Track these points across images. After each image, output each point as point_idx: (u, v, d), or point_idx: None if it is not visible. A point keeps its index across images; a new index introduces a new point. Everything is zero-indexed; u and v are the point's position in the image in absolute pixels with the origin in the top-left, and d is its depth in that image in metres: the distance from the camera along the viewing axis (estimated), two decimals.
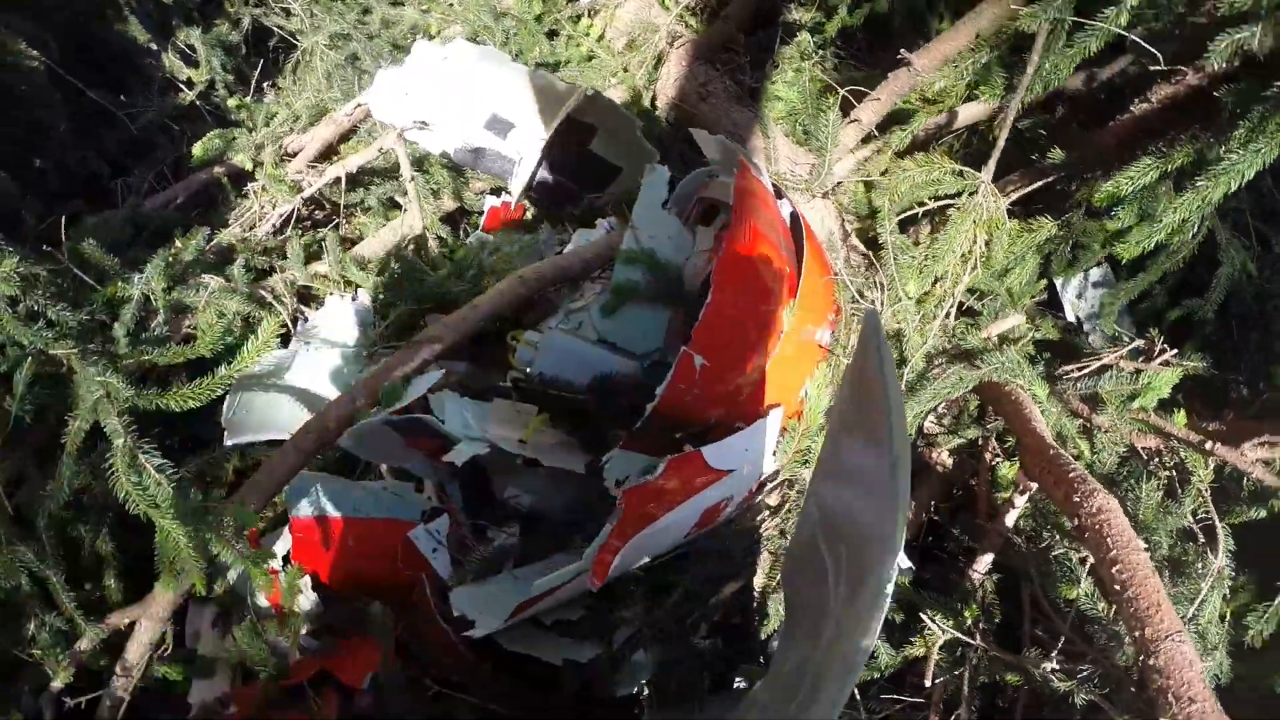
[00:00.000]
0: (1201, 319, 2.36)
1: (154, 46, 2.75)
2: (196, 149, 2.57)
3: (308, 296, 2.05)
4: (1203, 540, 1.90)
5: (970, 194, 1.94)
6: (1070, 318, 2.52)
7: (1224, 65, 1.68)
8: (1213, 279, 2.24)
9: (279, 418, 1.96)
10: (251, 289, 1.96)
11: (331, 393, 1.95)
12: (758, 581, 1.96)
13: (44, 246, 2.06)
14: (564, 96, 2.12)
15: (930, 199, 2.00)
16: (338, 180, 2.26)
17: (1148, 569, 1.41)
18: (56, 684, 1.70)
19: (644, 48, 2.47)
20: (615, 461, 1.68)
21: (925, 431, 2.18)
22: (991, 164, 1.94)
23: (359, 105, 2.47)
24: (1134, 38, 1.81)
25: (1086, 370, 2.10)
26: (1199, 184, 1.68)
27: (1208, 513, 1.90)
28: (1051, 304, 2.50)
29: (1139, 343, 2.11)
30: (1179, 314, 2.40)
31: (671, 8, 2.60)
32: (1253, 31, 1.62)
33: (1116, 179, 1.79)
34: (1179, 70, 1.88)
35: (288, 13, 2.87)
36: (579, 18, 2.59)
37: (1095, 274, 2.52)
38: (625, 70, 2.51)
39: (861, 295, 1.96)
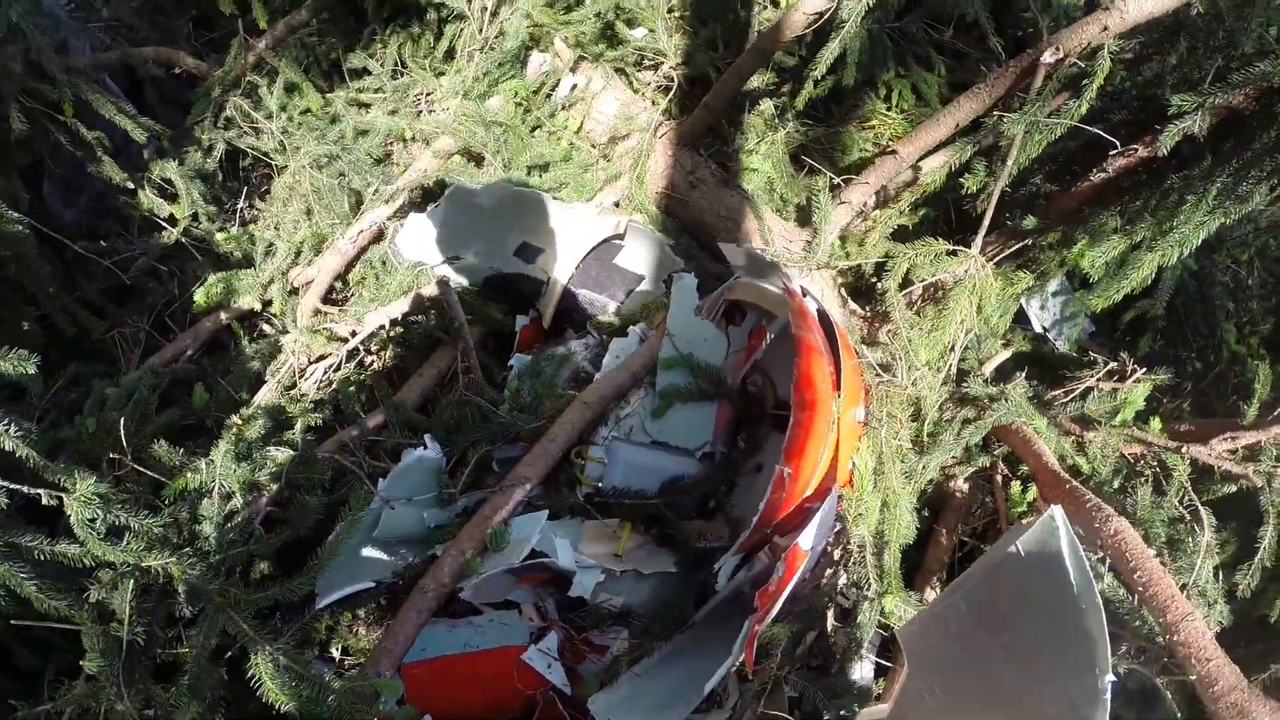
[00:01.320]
0: (1154, 315, 2.76)
1: (130, 185, 2.70)
2: (199, 296, 2.58)
3: (372, 447, 2.14)
4: (1190, 521, 2.26)
5: (963, 268, 2.20)
6: (1037, 328, 2.86)
7: (1170, 147, 2.01)
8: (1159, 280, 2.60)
9: (364, 569, 2.07)
10: (326, 455, 2.03)
11: (412, 537, 2.06)
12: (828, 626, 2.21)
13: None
14: (599, 222, 2.26)
15: (928, 276, 2.24)
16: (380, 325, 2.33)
17: (1159, 570, 1.78)
18: None
19: (625, 140, 2.61)
20: (728, 564, 1.87)
21: (943, 466, 2.47)
22: (979, 241, 2.21)
23: (361, 231, 2.54)
24: (1094, 130, 2.11)
25: (1072, 395, 2.42)
26: (1158, 246, 2.03)
27: (1191, 499, 2.25)
28: (1018, 318, 2.83)
29: (1113, 365, 2.43)
30: (1134, 314, 2.77)
31: (645, 92, 2.75)
32: (1194, 120, 1.95)
33: (1089, 254, 2.12)
34: (1131, 147, 2.18)
35: (258, 132, 2.86)
36: (554, 113, 2.70)
37: (1053, 284, 2.85)
38: (606, 159, 2.65)
39: (886, 369, 2.19)
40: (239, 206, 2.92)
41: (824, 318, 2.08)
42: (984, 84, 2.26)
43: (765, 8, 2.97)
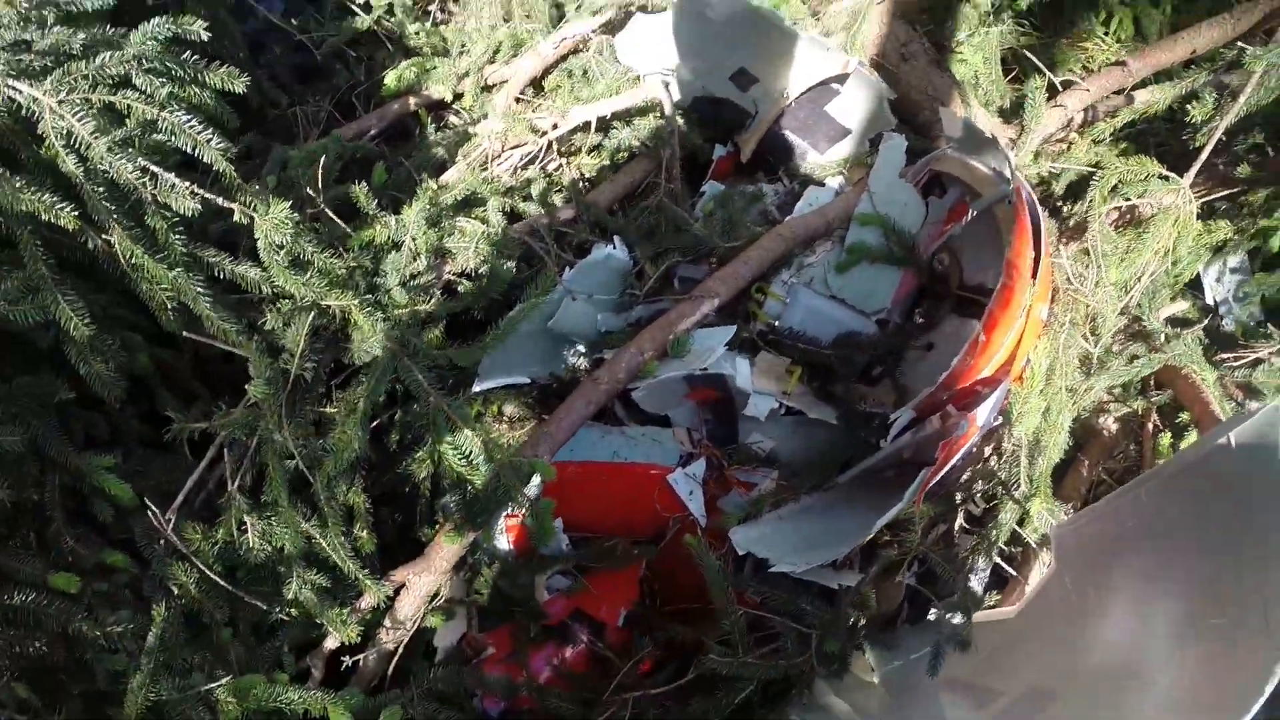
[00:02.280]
0: None
1: None
2: (390, 78, 2.59)
3: (561, 238, 2.14)
4: None
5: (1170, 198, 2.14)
6: (1209, 299, 2.80)
7: None
8: None
9: (528, 361, 2.10)
10: (516, 237, 2.05)
11: (585, 337, 2.08)
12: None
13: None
14: (826, 59, 2.22)
15: (1134, 196, 2.19)
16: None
17: None
18: (331, 643, 1.76)
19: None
20: (904, 415, 1.87)
21: (1103, 398, 2.44)
22: (1192, 174, 2.15)
23: (564, 39, 2.52)
24: None
25: (1243, 360, 2.36)
26: None
27: None
28: (1192, 284, 2.76)
29: None
30: None
31: None
32: None
33: None
34: None
35: None
36: None
37: (1233, 260, 2.78)
38: (815, 18, 2.59)
39: (1076, 278, 2.15)
40: (432, 6, 2.90)
41: (1033, 207, 2.04)
42: (1230, 14, 2.18)
43: None
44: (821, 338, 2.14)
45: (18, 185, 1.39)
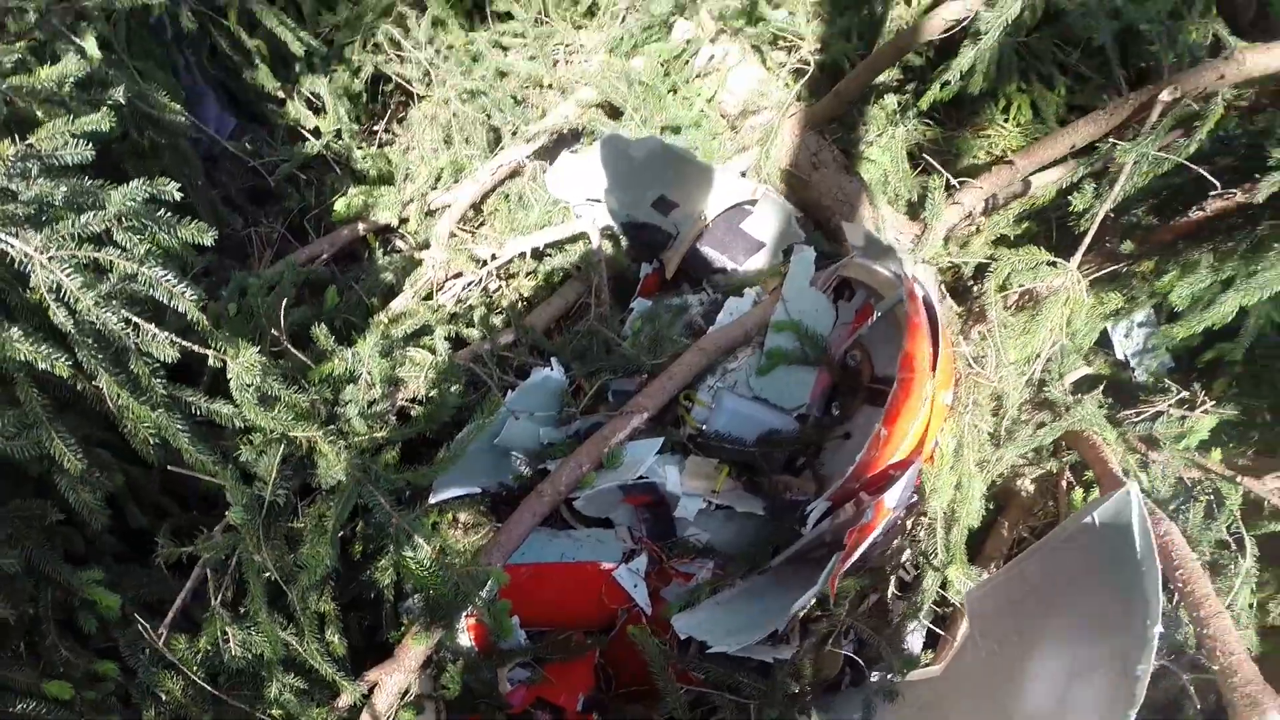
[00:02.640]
0: (1231, 360, 3.05)
1: (281, 95, 3.05)
2: (339, 205, 2.92)
3: (503, 363, 2.47)
4: (1235, 549, 2.56)
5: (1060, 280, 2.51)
6: (1119, 355, 3.15)
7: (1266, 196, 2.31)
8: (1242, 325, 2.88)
9: (478, 473, 2.41)
10: (461, 364, 2.37)
11: (526, 450, 2.40)
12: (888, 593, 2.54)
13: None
14: (737, 186, 2.58)
15: (1027, 282, 2.55)
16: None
17: (1199, 571, 2.09)
18: None
19: (756, 115, 2.93)
20: (817, 508, 2.20)
21: (1014, 464, 2.78)
22: (1077, 257, 2.51)
23: (501, 166, 2.87)
24: (1199, 169, 2.39)
25: (1144, 416, 2.72)
26: (1242, 287, 2.34)
27: (1238, 528, 2.55)
28: (1101, 341, 3.12)
29: (1184, 394, 2.73)
30: (1213, 355, 3.05)
31: (777, 72, 3.05)
32: None
33: (1178, 286, 2.42)
34: (1231, 191, 2.47)
35: (403, 60, 3.20)
36: (689, 80, 3.01)
37: (1139, 315, 3.14)
38: (734, 131, 2.96)
39: (976, 361, 2.50)
40: (378, 128, 3.26)
41: (929, 305, 2.39)
42: (1103, 111, 2.56)
43: (899, 4, 3.27)
44: (746, 437, 2.47)
45: (15, 335, 1.69)
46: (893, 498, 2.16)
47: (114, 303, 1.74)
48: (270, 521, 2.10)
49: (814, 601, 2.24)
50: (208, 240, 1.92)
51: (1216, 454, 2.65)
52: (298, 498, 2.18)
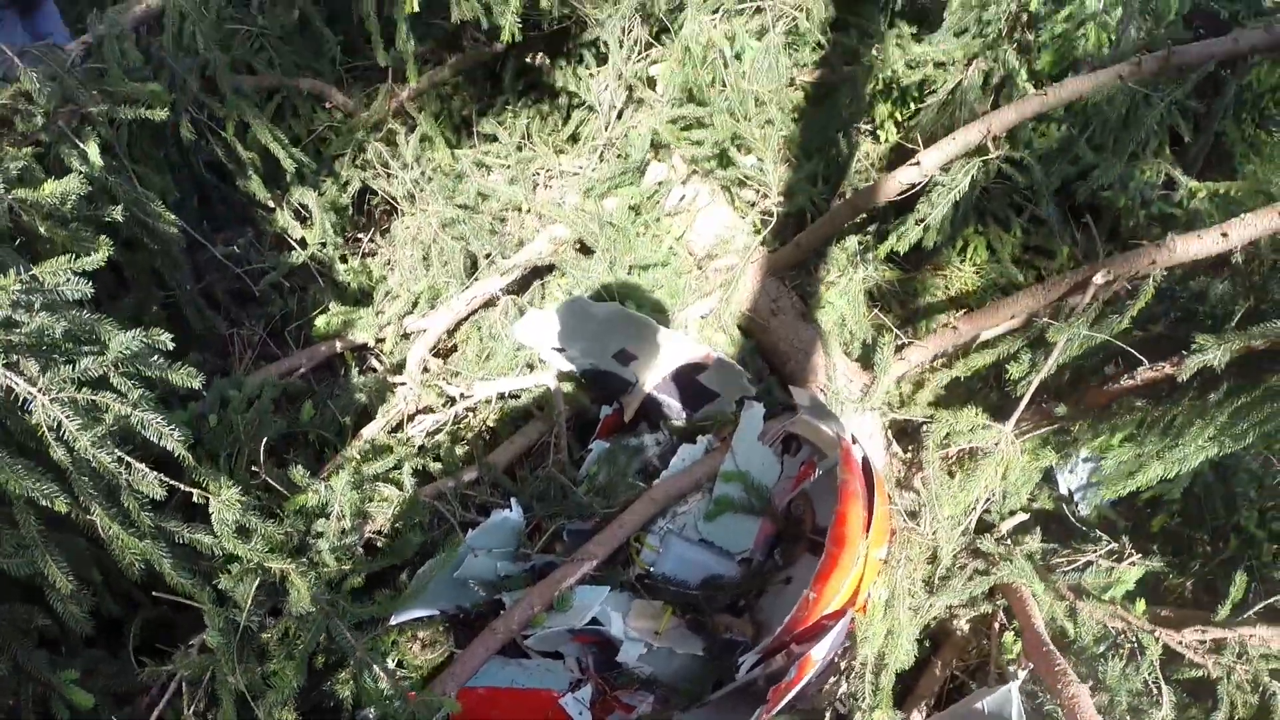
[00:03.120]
0: (1169, 499, 3.44)
1: (271, 204, 3.42)
2: (320, 322, 3.28)
3: (465, 500, 2.83)
4: (1156, 695, 2.93)
5: (995, 443, 2.89)
6: (1062, 490, 3.53)
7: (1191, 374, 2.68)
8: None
9: (438, 598, 2.75)
10: (426, 500, 2.72)
11: (483, 581, 2.74)
12: None
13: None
14: (692, 349, 2.96)
15: (963, 442, 2.93)
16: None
17: None
18: None
19: (720, 259, 3.32)
20: (749, 659, 2.55)
21: (950, 607, 3.13)
22: (1012, 421, 2.89)
23: (475, 297, 3.25)
24: (1126, 347, 2.78)
25: (1074, 565, 3.09)
26: (1164, 459, 2.73)
27: (1156, 677, 2.90)
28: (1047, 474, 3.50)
29: (1114, 545, 3.10)
30: (1151, 494, 3.43)
31: (745, 214, 3.44)
32: (1215, 355, 2.59)
33: (1109, 455, 2.81)
34: (1160, 364, 2.85)
35: (390, 176, 3.57)
36: (659, 219, 3.40)
37: (1084, 451, 3.51)
38: (700, 270, 3.35)
39: (913, 516, 2.87)
40: (362, 240, 3.64)
41: (866, 466, 2.75)
42: (1041, 287, 2.93)
43: (866, 142, 3.68)
44: (690, 580, 2.83)
45: (20, 471, 2.01)
46: (820, 650, 2.51)
47: (108, 442, 2.07)
48: (243, 644, 2.44)
49: None
50: (196, 384, 2.26)
51: (1140, 605, 3.03)
52: (269, 615, 2.52)
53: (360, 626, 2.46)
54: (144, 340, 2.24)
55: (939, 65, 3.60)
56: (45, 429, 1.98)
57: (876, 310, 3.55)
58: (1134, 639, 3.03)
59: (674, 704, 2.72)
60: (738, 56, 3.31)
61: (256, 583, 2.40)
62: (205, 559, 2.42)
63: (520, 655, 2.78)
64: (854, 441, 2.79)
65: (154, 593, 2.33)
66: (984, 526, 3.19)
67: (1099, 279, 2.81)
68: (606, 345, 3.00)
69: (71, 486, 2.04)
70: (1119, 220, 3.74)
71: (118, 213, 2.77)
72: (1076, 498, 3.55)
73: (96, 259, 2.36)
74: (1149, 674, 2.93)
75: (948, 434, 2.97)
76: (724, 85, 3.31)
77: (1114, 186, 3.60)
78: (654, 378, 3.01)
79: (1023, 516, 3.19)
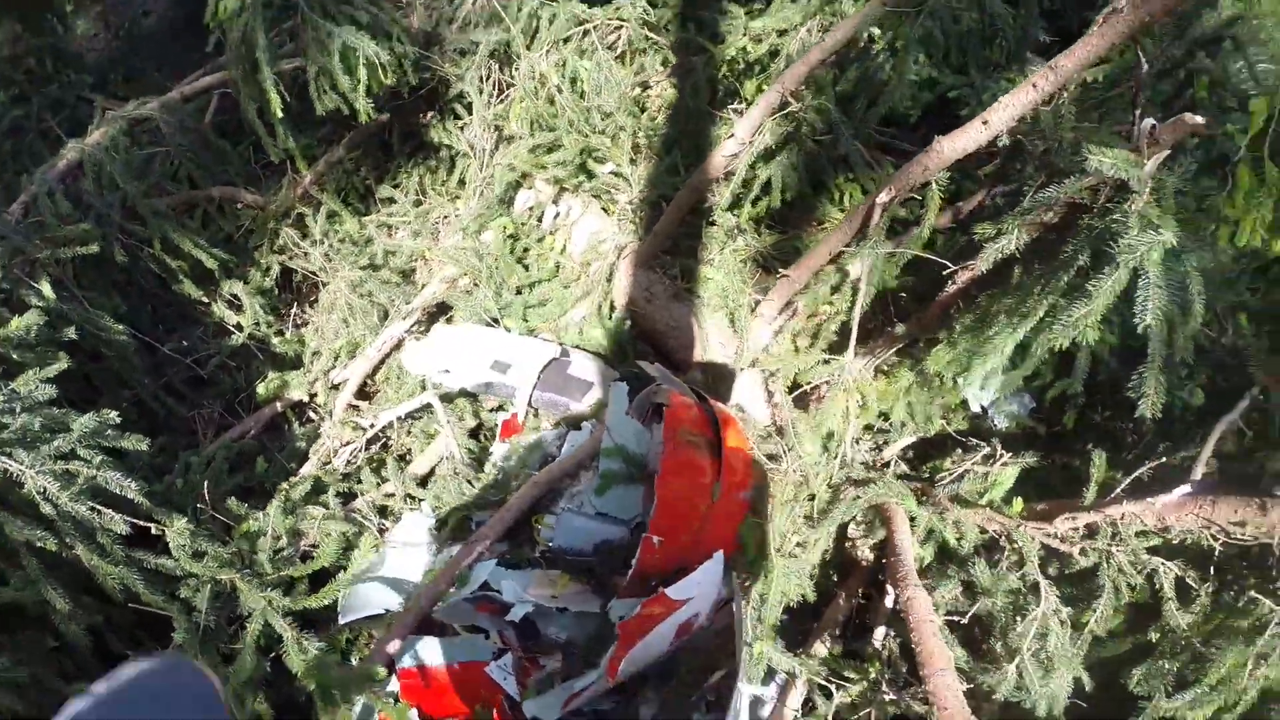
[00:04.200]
0: (1072, 393, 4.12)
1: (205, 300, 4.62)
2: (260, 389, 4.43)
3: (384, 510, 3.88)
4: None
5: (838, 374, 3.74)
6: (974, 407, 4.28)
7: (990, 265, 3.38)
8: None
9: (377, 600, 3.78)
10: (345, 512, 3.78)
11: (414, 579, 3.75)
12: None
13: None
14: (544, 348, 3.96)
15: (814, 379, 3.79)
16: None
17: (931, 631, 3.13)
18: None
19: (596, 262, 4.30)
20: (616, 606, 3.46)
21: (849, 536, 3.95)
22: (849, 352, 3.72)
23: (384, 343, 4.34)
24: (935, 257, 3.56)
25: (952, 475, 3.87)
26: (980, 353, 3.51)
27: (1032, 574, 3.55)
28: None
29: (986, 449, 3.86)
30: (1055, 391, 4.11)
31: (618, 215, 4.43)
32: (1007, 240, 3.29)
33: (940, 359, 3.59)
34: (969, 265, 3.63)
35: (306, 255, 4.74)
36: (542, 238, 4.43)
37: (989, 364, 4.26)
38: (582, 278, 4.34)
39: (772, 459, 3.74)
40: (292, 313, 4.80)
41: (712, 418, 3.64)
42: (845, 221, 3.70)
43: (725, 124, 4.61)
44: (584, 548, 3.75)
45: (18, 524, 3.11)
46: (682, 591, 3.38)
47: (82, 497, 3.20)
48: (205, 640, 3.52)
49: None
50: (143, 447, 3.42)
51: (1017, 505, 3.72)
52: (233, 625, 3.60)
53: (308, 624, 3.48)
54: (96, 420, 3.40)
55: (782, 33, 4.52)
56: (35, 493, 3.14)
57: (765, 275, 4.43)
58: (1011, 539, 3.73)
59: (585, 658, 3.65)
60: (573, 81, 4.33)
61: (210, 591, 3.49)
62: (173, 579, 3.54)
63: (454, 635, 3.77)
64: (700, 400, 3.69)
65: (129, 603, 3.44)
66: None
67: (882, 198, 3.41)
68: (481, 359, 4.00)
69: (59, 532, 3.18)
70: None
71: (71, 332, 3.96)
72: (991, 413, 4.28)
73: (56, 369, 3.57)
74: (1030, 572, 3.49)
75: (795, 374, 3.83)
76: (565, 109, 4.32)
77: (970, 103, 4.39)
78: (528, 380, 3.99)
79: (905, 441, 3.99)
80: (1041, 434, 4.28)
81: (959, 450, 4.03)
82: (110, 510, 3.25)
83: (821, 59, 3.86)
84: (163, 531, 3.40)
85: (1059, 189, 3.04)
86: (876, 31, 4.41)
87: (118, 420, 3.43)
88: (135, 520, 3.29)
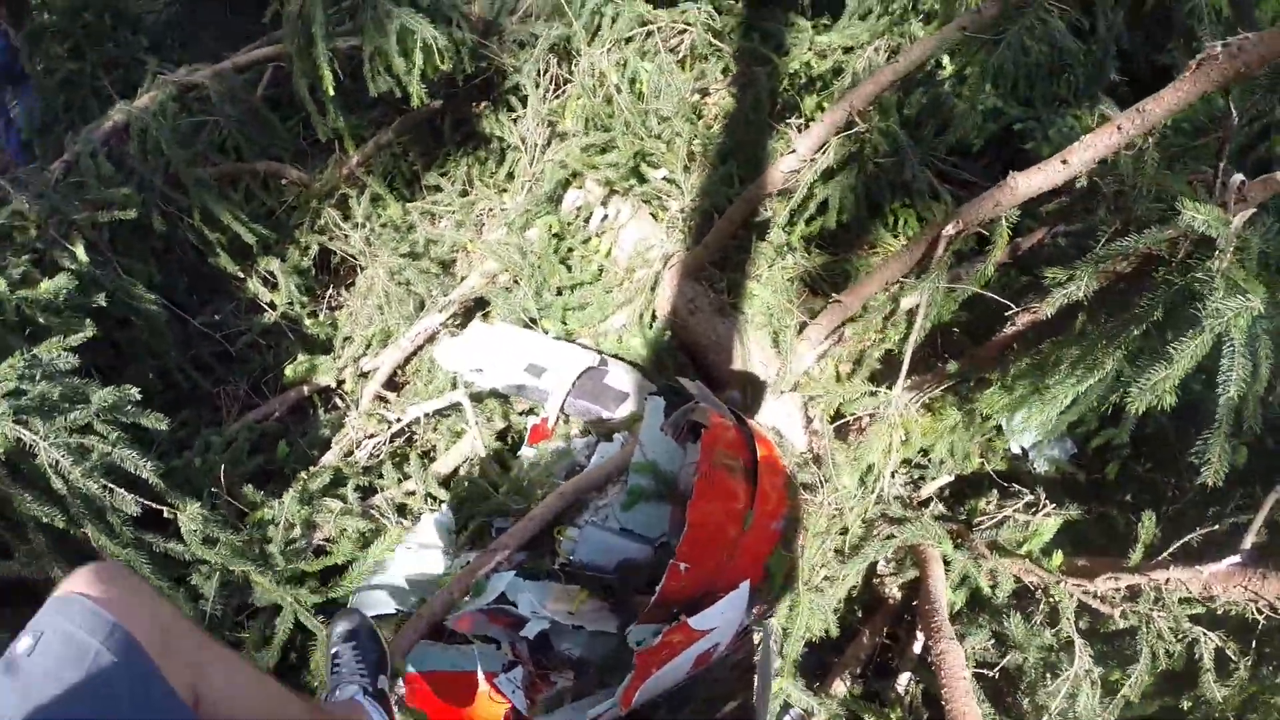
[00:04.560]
0: (1119, 443, 3.95)
1: (240, 275, 4.52)
2: (288, 371, 4.31)
3: (403, 508, 3.75)
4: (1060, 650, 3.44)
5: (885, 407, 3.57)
6: (1014, 449, 4.12)
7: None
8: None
9: (390, 600, 3.65)
10: (363, 508, 3.65)
11: (428, 582, 3.63)
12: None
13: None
14: (583, 356, 3.82)
15: (858, 411, 3.63)
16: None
17: (962, 689, 3.00)
18: None
19: (641, 269, 4.16)
20: (635, 631, 3.32)
21: (878, 572, 3.80)
22: (899, 385, 3.56)
23: (418, 334, 4.21)
24: (998, 298, 3.39)
25: (992, 520, 3.70)
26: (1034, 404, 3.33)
27: (1069, 632, 3.39)
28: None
29: (1029, 497, 3.70)
30: (1100, 440, 3.93)
31: (667, 221, 4.28)
32: (1076, 287, 3.12)
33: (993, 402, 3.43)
34: (1032, 306, 3.45)
35: (346, 237, 4.62)
36: (588, 239, 4.29)
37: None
38: (625, 284, 4.20)
39: (806, 488, 3.59)
40: (328, 295, 4.68)
41: (749, 442, 3.49)
42: (905, 250, 3.55)
43: (781, 137, 4.46)
44: (606, 565, 3.61)
45: (27, 499, 3.00)
46: (701, 620, 3.24)
47: (95, 473, 3.08)
48: (211, 628, 3.39)
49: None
50: (163, 426, 3.30)
51: (1057, 558, 3.56)
52: (240, 614, 3.48)
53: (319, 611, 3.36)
54: (117, 394, 3.29)
55: (847, 50, 4.37)
56: (47, 467, 3.01)
57: (812, 296, 4.28)
58: (1048, 593, 3.56)
59: (599, 679, 3.51)
60: (632, 82, 4.18)
61: (219, 579, 3.37)
62: (182, 565, 3.42)
63: (465, 643, 3.64)
64: (738, 421, 3.54)
65: None
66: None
67: (949, 230, 3.27)
68: (516, 361, 3.87)
69: (68, 509, 3.06)
70: None
71: (102, 299, 3.85)
72: (1031, 455, 4.12)
73: (80, 338, 3.45)
74: (1058, 628, 3.29)
75: (839, 404, 3.68)
76: (622, 110, 4.18)
77: (1035, 137, 4.23)
78: (562, 385, 3.85)
79: (947, 479, 3.83)
80: (1081, 480, 4.13)
81: (995, 491, 3.90)
82: (122, 490, 3.11)
83: (893, 80, 3.70)
84: (175, 515, 3.25)
85: (1138, 239, 2.90)
86: (945, 57, 4.26)
87: (139, 397, 3.29)
88: (147, 502, 3.15)
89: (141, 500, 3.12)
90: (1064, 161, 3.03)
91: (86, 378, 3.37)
